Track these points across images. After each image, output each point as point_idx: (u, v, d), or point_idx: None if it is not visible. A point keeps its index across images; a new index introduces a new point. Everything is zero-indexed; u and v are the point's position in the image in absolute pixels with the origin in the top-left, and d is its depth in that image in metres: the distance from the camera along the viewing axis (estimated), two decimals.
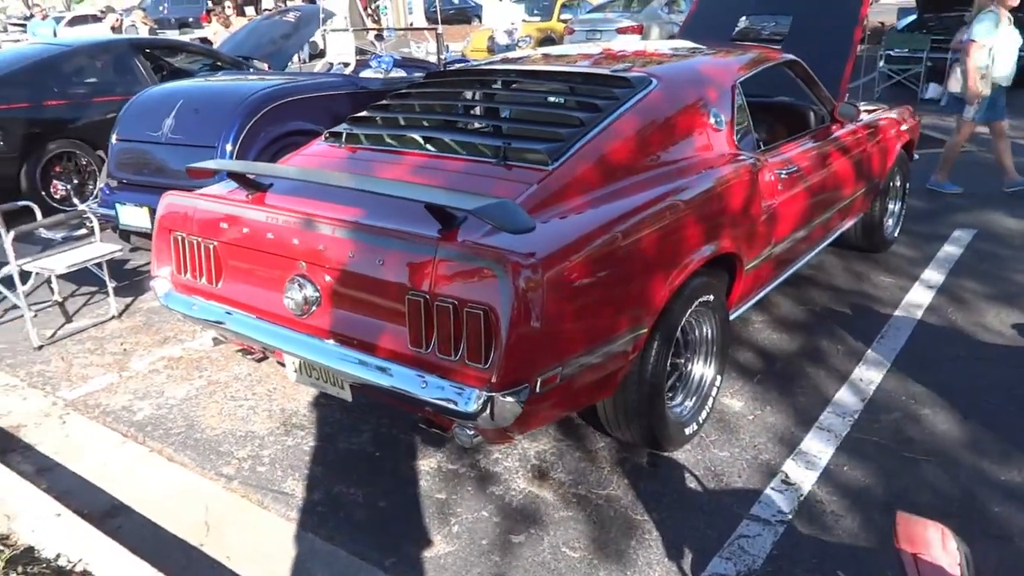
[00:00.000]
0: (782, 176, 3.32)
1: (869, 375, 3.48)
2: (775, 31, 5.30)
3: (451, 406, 2.20)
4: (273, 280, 2.63)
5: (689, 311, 2.78)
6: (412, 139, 3.04)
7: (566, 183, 2.57)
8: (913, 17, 12.18)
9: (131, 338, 4.11)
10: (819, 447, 2.96)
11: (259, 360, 3.09)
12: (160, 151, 4.76)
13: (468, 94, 3.46)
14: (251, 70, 7.15)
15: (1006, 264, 4.75)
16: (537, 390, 2.21)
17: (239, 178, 2.85)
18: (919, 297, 4.29)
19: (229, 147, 4.51)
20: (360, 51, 7.46)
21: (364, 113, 3.36)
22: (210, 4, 22.45)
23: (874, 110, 4.78)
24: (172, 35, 19.76)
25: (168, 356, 3.87)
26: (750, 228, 3.10)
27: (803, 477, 2.79)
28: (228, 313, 2.77)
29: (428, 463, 2.93)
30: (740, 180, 3.03)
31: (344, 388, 2.59)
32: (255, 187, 2.84)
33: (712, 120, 3.13)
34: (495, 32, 14.04)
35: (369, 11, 19.07)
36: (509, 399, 2.16)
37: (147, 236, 4.73)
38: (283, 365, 2.78)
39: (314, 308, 2.52)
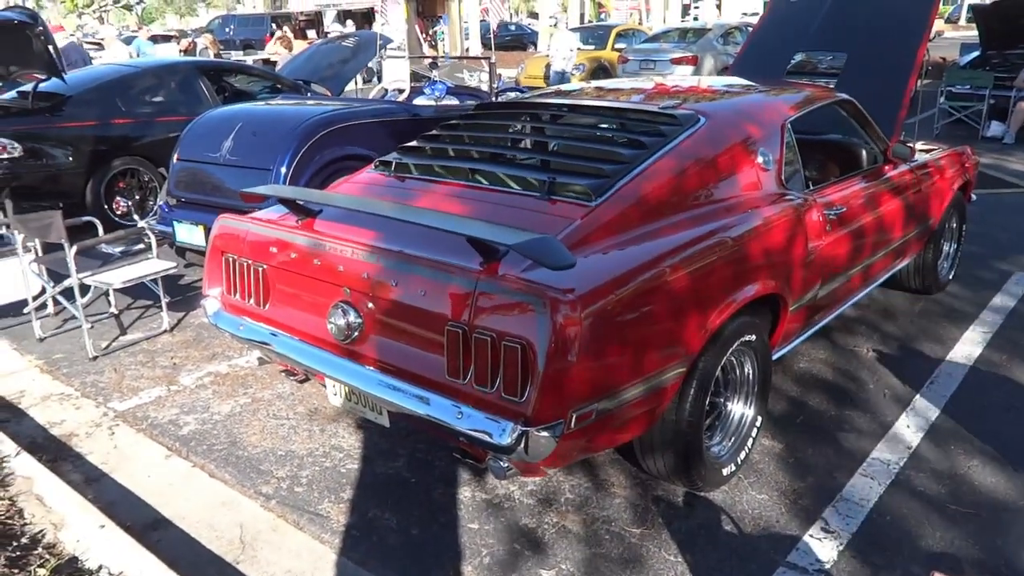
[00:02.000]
0: (830, 217, 3.28)
1: (917, 422, 3.39)
2: (832, 65, 5.25)
3: (486, 438, 2.22)
4: (318, 305, 2.69)
5: (730, 351, 2.75)
6: (460, 170, 3.09)
7: (609, 219, 2.58)
8: (976, 54, 11.95)
9: (181, 352, 4.22)
10: (861, 495, 2.89)
11: (301, 381, 3.15)
12: (218, 172, 4.91)
13: (516, 127, 3.51)
14: (309, 94, 7.34)
15: None
16: (572, 426, 2.21)
17: (289, 203, 2.93)
18: (972, 343, 4.17)
19: (284, 170, 4.63)
20: (416, 76, 7.61)
21: (414, 143, 3.43)
22: (273, 27, 23.15)
23: (931, 150, 4.69)
24: (237, 55, 20.42)
25: (215, 372, 3.97)
26: (795, 269, 3.06)
27: (843, 525, 2.72)
28: (273, 335, 2.84)
29: (462, 492, 2.94)
30: (786, 220, 3.00)
31: (382, 414, 2.63)
32: (305, 213, 2.91)
33: (760, 159, 3.11)
34: (552, 59, 14.16)
35: (427, 35, 19.45)
36: (544, 434, 2.17)
37: (202, 253, 4.87)
38: (325, 387, 2.83)
39: (356, 334, 2.57)
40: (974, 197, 5.15)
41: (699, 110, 3.14)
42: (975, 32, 12.05)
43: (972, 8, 20.54)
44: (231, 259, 2.97)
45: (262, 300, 2.90)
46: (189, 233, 4.84)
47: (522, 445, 2.17)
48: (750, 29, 16.04)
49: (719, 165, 2.97)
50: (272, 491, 2.96)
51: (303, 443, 3.28)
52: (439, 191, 2.98)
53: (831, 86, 4.67)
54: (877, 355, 4.05)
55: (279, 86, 7.69)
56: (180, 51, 14.64)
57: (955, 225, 4.92)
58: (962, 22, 38.85)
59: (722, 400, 2.96)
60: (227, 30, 23.57)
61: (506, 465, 2.33)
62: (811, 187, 3.41)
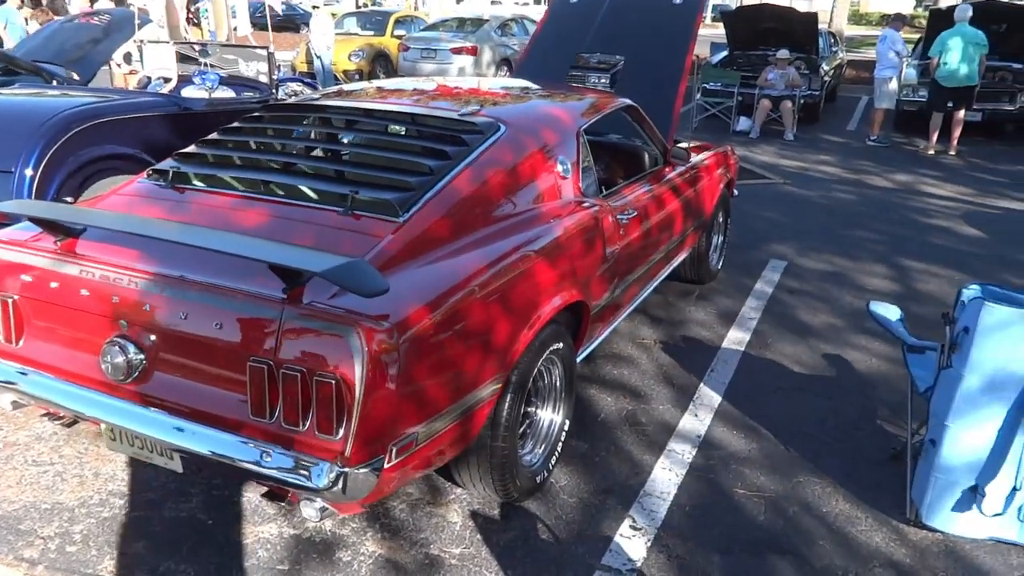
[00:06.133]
0: (623, 221, 3.42)
1: (703, 410, 3.64)
2: (603, 60, 5.48)
3: (300, 481, 2.05)
4: (88, 341, 2.34)
5: (540, 360, 2.77)
6: (249, 181, 2.84)
7: (418, 235, 2.48)
8: (725, 53, 13.18)
9: None
10: (662, 488, 3.05)
11: (68, 425, 2.75)
12: None
13: (310, 132, 3.28)
14: (54, 81, 6.45)
15: (813, 294, 5.18)
16: (393, 459, 2.11)
17: (44, 221, 2.51)
18: (741, 329, 4.58)
19: (29, 172, 4.02)
20: (183, 57, 6.93)
21: (193, 149, 3.09)
22: None
23: (700, 148, 5.07)
24: None
25: None
26: (596, 274, 3.15)
27: (648, 521, 2.85)
28: (23, 373, 2.44)
29: (267, 529, 2.72)
30: (587, 228, 3.07)
31: (174, 459, 2.35)
32: (64, 231, 2.51)
33: (560, 167, 3.16)
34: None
35: (189, 13, 17.95)
36: (363, 471, 2.04)
37: None
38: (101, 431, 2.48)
39: (137, 373, 2.27)
40: (736, 192, 5.65)
41: (498, 117, 3.12)
42: (722, 31, 13.26)
43: (719, 10, 22.60)
44: None
45: (14, 336, 2.48)
46: None
47: (340, 485, 2.03)
48: (526, 22, 16.52)
49: (522, 174, 2.97)
50: (38, 554, 2.55)
51: (73, 492, 2.87)
52: (227, 205, 2.70)
53: (611, 90, 4.89)
54: (664, 347, 4.32)
55: (15, 68, 6.68)
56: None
57: (722, 219, 5.37)
58: (708, 21, 42.79)
59: (533, 409, 2.98)
60: None
61: (321, 506, 2.17)
62: (603, 192, 3.53)
